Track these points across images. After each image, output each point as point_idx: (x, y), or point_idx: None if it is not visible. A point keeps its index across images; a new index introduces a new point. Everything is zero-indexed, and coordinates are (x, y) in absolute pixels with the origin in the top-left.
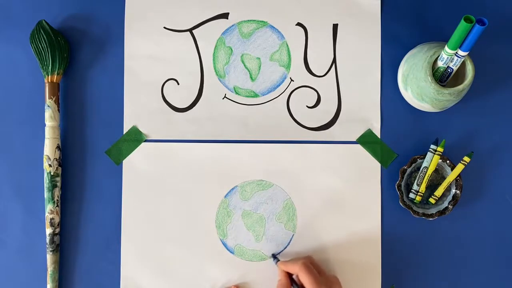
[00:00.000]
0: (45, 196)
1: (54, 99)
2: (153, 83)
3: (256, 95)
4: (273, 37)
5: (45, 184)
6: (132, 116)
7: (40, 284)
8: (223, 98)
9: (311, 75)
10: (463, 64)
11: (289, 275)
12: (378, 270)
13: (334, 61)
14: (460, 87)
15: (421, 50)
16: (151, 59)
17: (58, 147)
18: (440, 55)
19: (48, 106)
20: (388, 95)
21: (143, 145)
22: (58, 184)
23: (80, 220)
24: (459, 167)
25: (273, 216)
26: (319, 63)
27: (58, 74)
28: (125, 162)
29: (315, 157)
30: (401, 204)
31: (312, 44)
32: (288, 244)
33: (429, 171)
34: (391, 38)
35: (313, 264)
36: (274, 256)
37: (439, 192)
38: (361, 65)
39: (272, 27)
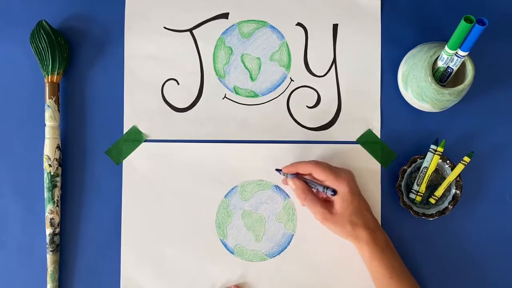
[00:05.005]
0: (45, 196)
1: (54, 99)
2: (153, 83)
3: (256, 95)
4: (273, 37)
5: (45, 184)
6: (132, 116)
7: (40, 284)
8: (223, 98)
9: (311, 75)
10: (463, 64)
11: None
12: None
13: (334, 61)
14: (460, 87)
15: (421, 50)
16: (151, 59)
17: (58, 147)
18: (440, 55)
19: (48, 106)
20: (388, 95)
21: (143, 145)
22: (58, 184)
23: (80, 220)
24: (459, 167)
25: (273, 216)
26: (319, 63)
27: (58, 74)
28: (125, 162)
29: (315, 157)
30: (401, 204)
31: (312, 44)
32: (288, 244)
33: (429, 171)
34: (391, 38)
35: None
36: (279, 170)
37: (439, 192)
38: (361, 65)
39: (272, 27)
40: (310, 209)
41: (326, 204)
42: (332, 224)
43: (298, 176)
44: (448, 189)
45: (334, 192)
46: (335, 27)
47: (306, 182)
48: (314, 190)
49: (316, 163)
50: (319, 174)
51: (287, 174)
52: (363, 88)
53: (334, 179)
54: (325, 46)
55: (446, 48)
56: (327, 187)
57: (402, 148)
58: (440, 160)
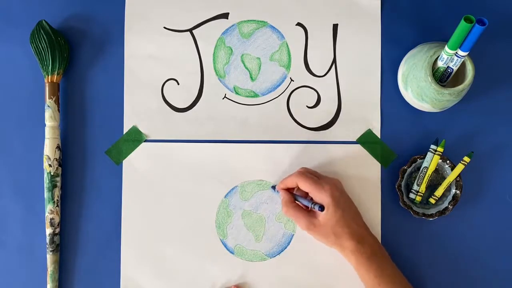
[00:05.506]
0: (45, 196)
1: (54, 99)
2: (153, 83)
3: (256, 95)
4: (273, 37)
5: (45, 184)
6: (132, 116)
7: (40, 284)
8: (223, 98)
9: (311, 75)
10: (463, 64)
11: (291, 194)
12: None
13: (334, 61)
14: (460, 87)
15: (421, 50)
16: (151, 59)
17: (58, 147)
18: (440, 55)
19: (48, 106)
20: (388, 95)
21: (143, 145)
22: (58, 184)
23: (80, 220)
24: (459, 167)
25: (273, 216)
26: (319, 63)
27: (58, 74)
28: (125, 162)
29: (315, 157)
30: (401, 204)
31: (312, 44)
32: (288, 244)
33: (429, 171)
34: (391, 38)
35: (309, 172)
36: (273, 187)
37: (439, 192)
38: (361, 65)
39: (272, 27)
40: (293, 220)
41: (311, 214)
42: (316, 233)
43: (288, 190)
44: (448, 189)
45: (322, 208)
46: (335, 27)
47: (296, 198)
48: (305, 207)
49: (300, 175)
50: (303, 186)
51: (278, 191)
52: (363, 88)
53: (316, 191)
54: (325, 46)
55: (446, 48)
56: (315, 203)
57: (402, 148)
58: (440, 160)
